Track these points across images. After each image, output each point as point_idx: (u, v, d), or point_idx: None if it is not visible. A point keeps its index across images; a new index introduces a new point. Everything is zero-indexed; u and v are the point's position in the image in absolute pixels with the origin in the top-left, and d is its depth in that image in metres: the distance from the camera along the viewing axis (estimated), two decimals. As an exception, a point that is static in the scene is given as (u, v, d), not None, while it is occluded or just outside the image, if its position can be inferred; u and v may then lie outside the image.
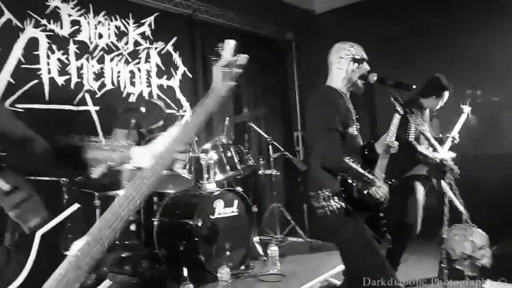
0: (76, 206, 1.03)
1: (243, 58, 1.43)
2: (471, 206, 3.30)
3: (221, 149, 3.82)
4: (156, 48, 4.70)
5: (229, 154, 3.86)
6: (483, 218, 3.58)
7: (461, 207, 3.32)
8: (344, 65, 2.34)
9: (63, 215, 0.99)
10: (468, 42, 4.70)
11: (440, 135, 3.63)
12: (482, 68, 4.58)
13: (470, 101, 3.69)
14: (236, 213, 3.54)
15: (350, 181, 2.16)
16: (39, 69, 3.71)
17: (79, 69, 4.01)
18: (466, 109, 3.65)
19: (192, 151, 3.68)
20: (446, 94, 3.48)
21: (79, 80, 4.00)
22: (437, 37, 4.98)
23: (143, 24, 4.59)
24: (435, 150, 3.31)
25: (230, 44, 1.53)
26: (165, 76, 4.77)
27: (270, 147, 4.79)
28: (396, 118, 2.39)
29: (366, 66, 2.38)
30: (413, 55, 5.09)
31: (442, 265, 2.80)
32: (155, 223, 3.45)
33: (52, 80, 3.78)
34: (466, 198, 3.13)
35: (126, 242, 3.44)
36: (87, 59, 4.08)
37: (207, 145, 3.85)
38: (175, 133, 1.28)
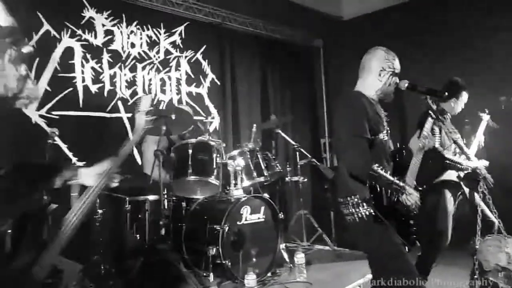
0: (54, 206, 1.36)
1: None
2: (505, 216, 3.19)
3: (248, 156, 3.85)
4: (186, 56, 4.80)
5: (256, 160, 3.88)
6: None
7: (493, 217, 3.21)
8: (385, 78, 2.30)
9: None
10: (500, 47, 4.58)
11: (458, 139, 3.55)
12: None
13: (504, 107, 3.60)
14: (263, 220, 3.55)
15: (379, 188, 2.14)
16: (74, 78, 3.86)
17: (112, 77, 4.14)
18: (485, 117, 3.57)
19: (220, 156, 3.73)
20: (465, 95, 3.41)
21: (112, 88, 4.13)
22: (467, 42, 4.87)
23: (173, 33, 4.71)
24: (468, 158, 3.23)
25: (145, 98, 2.07)
26: (194, 84, 4.86)
27: (297, 154, 4.78)
28: (429, 123, 2.35)
29: (398, 80, 2.36)
30: (442, 60, 4.99)
31: (474, 276, 2.71)
32: (183, 228, 3.50)
33: (86, 88, 3.93)
34: (500, 207, 3.02)
35: (155, 247, 3.51)
36: (120, 68, 4.21)
37: (235, 152, 3.89)
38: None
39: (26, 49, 1.06)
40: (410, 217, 2.26)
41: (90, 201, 1.57)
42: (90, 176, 1.61)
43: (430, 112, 2.35)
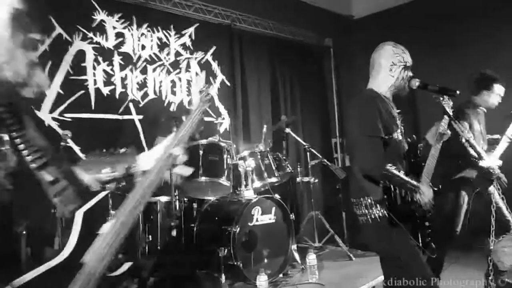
0: (105, 192, 1.28)
1: (209, 88, 1.81)
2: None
3: (259, 157, 3.85)
4: (196, 58, 4.81)
5: (267, 161, 3.88)
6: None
7: (509, 216, 3.16)
8: (396, 72, 2.27)
9: (95, 199, 1.22)
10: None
11: (498, 136, 3.46)
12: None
13: None
14: (274, 221, 3.55)
15: (393, 188, 2.12)
16: (85, 80, 3.90)
17: (123, 79, 4.18)
18: None
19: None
20: (499, 88, 3.33)
21: (123, 90, 4.16)
22: (480, 40, 4.80)
23: (183, 35, 4.73)
24: (480, 158, 3.17)
25: (200, 79, 1.73)
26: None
27: (308, 154, 4.76)
28: (445, 120, 2.32)
29: (410, 73, 2.33)
30: (454, 57, 4.93)
31: (489, 277, 2.67)
32: (195, 229, 3.52)
33: (98, 90, 3.96)
34: (515, 207, 2.98)
35: (167, 247, 3.53)
36: (131, 70, 4.24)
37: (245, 153, 3.89)
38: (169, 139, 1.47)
39: (35, 35, 1.05)
40: (426, 219, 2.23)
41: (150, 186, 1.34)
42: (148, 161, 1.45)
43: (447, 110, 2.32)
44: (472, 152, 3.14)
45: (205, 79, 1.76)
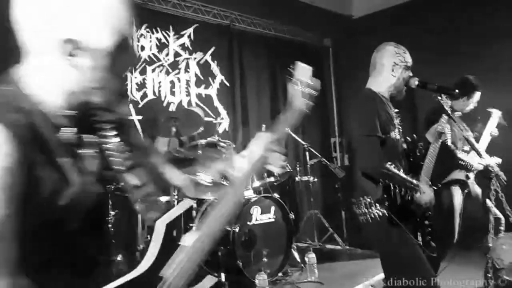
0: (189, 202, 1.14)
1: (316, 82, 1.52)
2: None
3: (258, 156, 3.85)
4: (195, 58, 4.83)
5: (266, 161, 3.88)
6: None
7: (499, 214, 3.18)
8: (398, 72, 2.29)
9: (177, 209, 1.12)
10: (507, 45, 4.53)
11: (470, 137, 3.52)
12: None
13: None
14: (273, 220, 3.56)
15: (392, 187, 2.13)
16: (85, 81, 3.90)
17: (123, 80, 4.19)
18: (496, 112, 3.52)
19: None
20: (477, 95, 3.37)
21: (123, 90, 4.18)
22: (477, 40, 4.82)
23: (182, 35, 4.74)
24: (479, 156, 3.19)
25: (303, 67, 1.57)
26: (203, 85, 4.89)
27: (307, 153, 4.78)
28: (444, 120, 2.34)
29: (410, 73, 2.35)
30: (454, 57, 4.94)
31: (488, 275, 2.68)
32: (194, 228, 3.52)
33: (97, 91, 3.97)
34: (514, 205, 2.99)
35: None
36: (130, 71, 4.25)
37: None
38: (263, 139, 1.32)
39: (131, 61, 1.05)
40: (426, 218, 2.25)
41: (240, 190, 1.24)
42: (244, 164, 1.32)
43: (446, 108, 2.33)
44: (466, 159, 3.20)
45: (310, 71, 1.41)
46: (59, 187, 0.93)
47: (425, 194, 2.16)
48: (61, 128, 0.97)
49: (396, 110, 2.38)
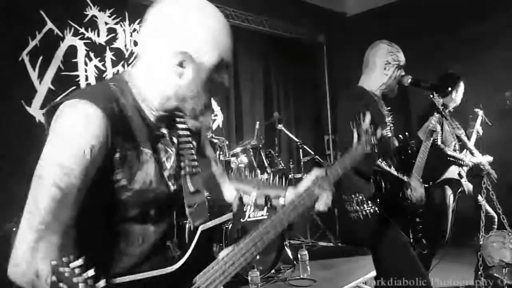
0: (230, 215, 1.19)
1: (379, 131, 1.58)
2: (510, 212, 3.17)
3: (252, 153, 3.85)
4: (188, 54, 4.79)
5: (259, 157, 3.88)
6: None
7: (492, 212, 3.21)
8: (390, 71, 2.30)
9: (219, 219, 1.16)
10: (503, 42, 4.57)
11: (462, 135, 3.56)
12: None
13: (510, 102, 3.60)
14: (266, 217, 3.55)
15: (383, 184, 2.14)
16: (77, 76, 3.87)
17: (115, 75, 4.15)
18: (480, 112, 3.58)
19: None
20: (461, 85, 3.40)
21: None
22: (470, 38, 4.84)
23: (176, 30, 4.70)
24: (471, 154, 3.22)
25: (368, 115, 1.59)
26: (197, 81, 4.86)
27: (301, 150, 4.78)
28: (435, 118, 2.35)
29: (403, 72, 2.35)
30: (448, 55, 4.97)
31: (478, 272, 2.71)
32: (187, 226, 3.51)
33: (89, 86, 3.94)
34: (505, 203, 3.01)
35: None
36: (123, 66, 4.21)
37: (238, 149, 3.89)
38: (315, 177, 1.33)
39: (224, 81, 1.11)
40: (417, 215, 2.26)
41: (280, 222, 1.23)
42: (291, 195, 1.32)
43: (438, 107, 2.34)
44: (456, 155, 3.22)
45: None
46: (135, 174, 1.02)
47: (416, 191, 2.18)
48: (150, 124, 1.08)
49: (388, 108, 2.38)
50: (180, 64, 1.02)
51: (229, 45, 1.10)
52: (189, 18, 1.03)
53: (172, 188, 1.13)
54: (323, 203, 1.29)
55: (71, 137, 0.93)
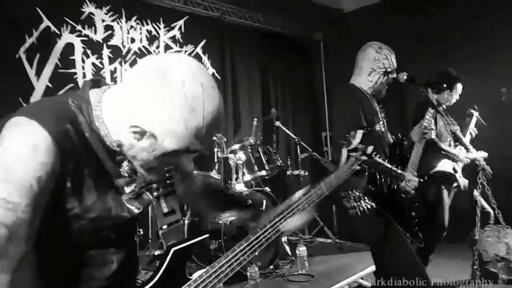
0: (205, 236, 1.20)
1: (370, 148, 1.58)
2: (505, 207, 3.21)
3: (249, 150, 3.86)
4: (186, 51, 4.80)
5: (257, 154, 3.89)
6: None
7: (488, 207, 3.24)
8: (375, 78, 2.33)
9: (193, 240, 1.15)
10: (499, 39, 4.58)
11: (457, 131, 3.58)
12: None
13: (506, 98, 3.62)
14: (265, 213, 3.57)
15: (378, 177, 2.17)
16: (74, 73, 3.86)
17: (113, 72, 4.15)
18: (475, 113, 3.61)
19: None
20: (459, 87, 3.42)
21: (113, 83, 4.12)
22: (470, 33, 4.86)
23: (173, 28, 4.70)
24: (467, 150, 3.25)
25: (359, 133, 1.61)
26: (194, 78, 4.86)
27: (298, 147, 4.79)
28: (430, 113, 2.37)
29: (393, 75, 2.37)
30: (444, 52, 4.98)
31: (474, 267, 2.74)
32: (186, 222, 3.53)
33: (87, 84, 3.92)
34: (500, 199, 3.05)
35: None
36: (120, 63, 4.21)
37: (236, 146, 3.90)
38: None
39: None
40: (412, 209, 2.29)
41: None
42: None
43: (432, 101, 2.36)
44: (449, 150, 3.25)
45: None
46: (91, 202, 0.95)
47: (411, 181, 2.20)
48: (110, 149, 0.98)
49: (380, 105, 2.42)
50: (139, 133, 0.91)
51: (204, 135, 0.93)
52: (160, 96, 0.87)
53: (136, 211, 1.07)
54: (290, 224, 1.28)
55: (15, 169, 0.82)
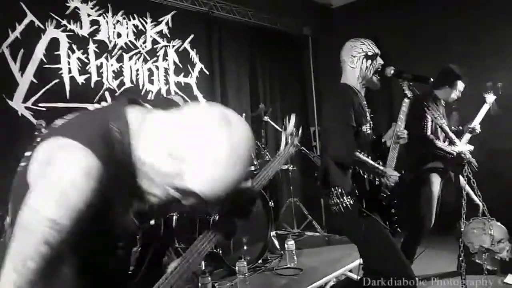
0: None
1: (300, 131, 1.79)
2: (489, 199, 3.25)
3: (238, 145, 3.86)
4: (173, 46, 4.76)
5: (245, 149, 3.89)
6: (502, 211, 3.53)
7: (478, 200, 3.28)
8: (357, 63, 2.36)
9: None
10: (489, 33, 4.62)
11: (460, 127, 3.59)
12: (502, 60, 4.51)
13: (501, 93, 3.63)
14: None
15: (362, 174, 2.23)
16: (60, 69, 3.81)
17: (99, 68, 4.10)
18: (490, 98, 3.55)
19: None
20: (460, 84, 3.43)
21: (99, 78, 4.09)
22: (457, 28, 4.90)
23: (160, 22, 4.66)
24: (452, 143, 3.28)
25: (293, 117, 1.82)
26: (182, 74, 4.84)
27: (287, 142, 4.79)
28: (405, 104, 2.38)
29: (380, 61, 2.39)
30: (431, 47, 5.02)
31: (460, 259, 2.78)
32: (174, 217, 3.52)
33: (72, 79, 3.88)
34: (484, 191, 3.09)
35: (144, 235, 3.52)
36: (106, 58, 4.17)
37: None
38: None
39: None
40: (392, 206, 2.34)
41: None
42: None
43: (405, 92, 2.36)
44: (445, 148, 3.28)
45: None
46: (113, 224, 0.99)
47: (391, 177, 2.26)
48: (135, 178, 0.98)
49: (368, 107, 2.44)
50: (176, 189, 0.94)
51: (218, 198, 0.95)
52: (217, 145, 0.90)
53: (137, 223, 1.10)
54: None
55: (70, 194, 0.85)
